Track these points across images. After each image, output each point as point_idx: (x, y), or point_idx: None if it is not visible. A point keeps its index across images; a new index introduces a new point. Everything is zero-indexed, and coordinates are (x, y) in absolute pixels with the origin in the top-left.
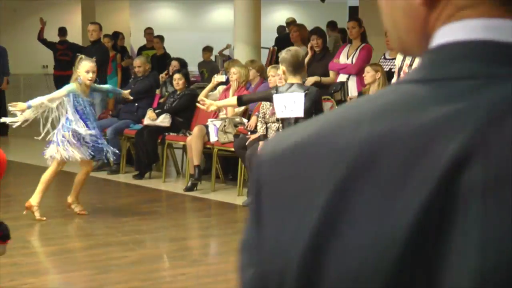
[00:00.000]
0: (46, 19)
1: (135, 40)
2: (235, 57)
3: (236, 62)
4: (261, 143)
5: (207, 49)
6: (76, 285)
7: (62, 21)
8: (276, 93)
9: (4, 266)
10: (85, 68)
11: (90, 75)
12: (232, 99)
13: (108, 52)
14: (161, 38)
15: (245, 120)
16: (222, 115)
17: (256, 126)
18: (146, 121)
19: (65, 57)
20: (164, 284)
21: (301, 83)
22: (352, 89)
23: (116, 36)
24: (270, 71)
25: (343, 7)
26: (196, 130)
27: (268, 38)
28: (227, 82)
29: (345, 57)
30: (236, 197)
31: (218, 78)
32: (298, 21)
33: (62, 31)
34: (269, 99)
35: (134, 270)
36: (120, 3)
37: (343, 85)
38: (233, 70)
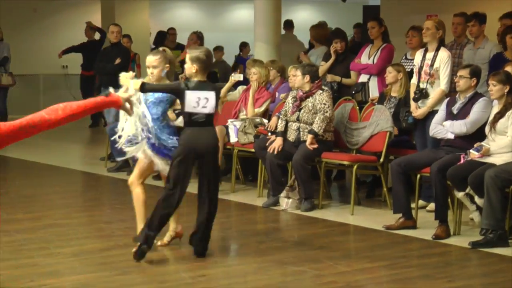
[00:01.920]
0: (65, 19)
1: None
2: (255, 57)
3: (257, 62)
4: (277, 138)
5: (219, 49)
6: (95, 286)
7: (81, 21)
8: (188, 89)
9: (23, 266)
10: (146, 63)
11: (150, 70)
12: (136, 83)
13: (129, 53)
14: (200, 37)
15: (265, 121)
16: (242, 115)
17: (276, 126)
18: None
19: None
20: (184, 286)
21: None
22: (373, 89)
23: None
24: (291, 71)
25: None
26: (216, 130)
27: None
28: (245, 81)
29: (366, 57)
30: (256, 198)
31: (236, 77)
32: (317, 21)
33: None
34: (176, 93)
35: (154, 272)
36: (140, 3)
37: (364, 86)
38: (253, 70)
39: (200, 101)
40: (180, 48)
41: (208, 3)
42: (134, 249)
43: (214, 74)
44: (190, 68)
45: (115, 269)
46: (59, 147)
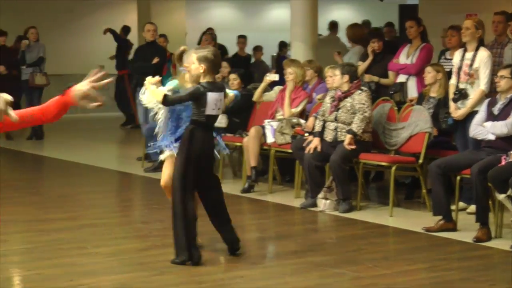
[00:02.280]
0: (102, 19)
1: (191, 40)
2: (292, 57)
3: (294, 62)
4: (315, 138)
5: (258, 49)
6: (132, 286)
7: (118, 21)
8: (208, 91)
9: (62, 266)
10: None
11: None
12: (159, 95)
13: (166, 52)
14: (214, 38)
15: (302, 121)
16: (279, 116)
17: (314, 127)
18: None
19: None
20: (221, 287)
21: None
22: (412, 89)
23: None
24: (328, 71)
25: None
26: (252, 131)
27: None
28: (281, 81)
29: (404, 57)
30: (293, 199)
31: (271, 77)
32: (353, 20)
33: (127, 30)
34: (198, 97)
35: (191, 272)
36: (176, 3)
37: (403, 86)
38: (289, 70)
39: (217, 103)
40: (219, 48)
41: (245, 2)
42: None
43: (250, 74)
44: (197, 68)
45: (152, 269)
46: (96, 146)
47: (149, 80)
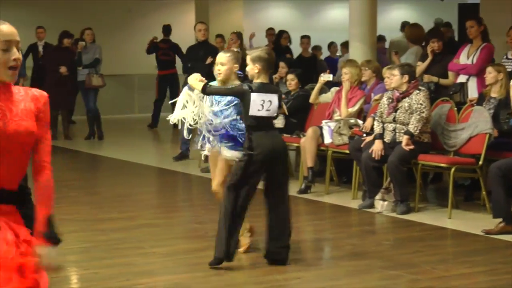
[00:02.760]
0: (160, 19)
1: (247, 41)
2: (350, 57)
3: (351, 62)
4: (376, 141)
5: (317, 49)
6: (189, 287)
7: (175, 21)
8: (252, 91)
9: (118, 265)
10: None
11: (218, 67)
12: (199, 85)
13: (218, 52)
14: (240, 37)
15: (360, 122)
16: (336, 116)
17: (372, 128)
18: None
19: (166, 57)
20: None
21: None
22: (473, 90)
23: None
24: (386, 72)
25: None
26: (310, 131)
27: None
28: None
29: (465, 57)
30: (350, 200)
31: (325, 77)
32: (413, 20)
33: (166, 29)
34: (241, 95)
35: (248, 273)
36: (234, 2)
37: (463, 86)
38: (344, 70)
39: (264, 103)
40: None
41: (302, 2)
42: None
43: (309, 74)
44: (252, 68)
45: (209, 270)
46: (152, 146)
47: (194, 76)
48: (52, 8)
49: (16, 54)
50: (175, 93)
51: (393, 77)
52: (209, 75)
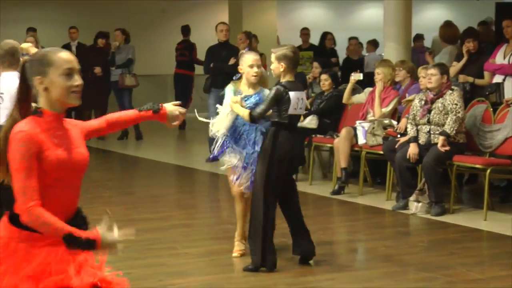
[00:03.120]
0: (193, 19)
1: (283, 40)
2: (384, 57)
3: (384, 62)
4: (411, 145)
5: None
6: (222, 287)
7: (208, 21)
8: (289, 90)
9: (152, 266)
10: (248, 62)
11: (255, 69)
12: (245, 113)
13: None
14: (249, 37)
15: (394, 122)
16: (370, 117)
17: (406, 128)
18: None
19: (182, 57)
20: None
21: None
22: (508, 90)
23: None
24: (421, 72)
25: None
26: (343, 132)
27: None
28: (370, 82)
29: (501, 57)
30: (384, 201)
31: (355, 76)
32: (450, 19)
33: (185, 30)
34: (280, 100)
35: (281, 274)
36: (268, 3)
37: (499, 87)
38: (377, 70)
39: (299, 102)
40: (312, 49)
41: (337, 2)
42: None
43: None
44: (277, 67)
45: (241, 271)
46: (185, 147)
47: (233, 99)
48: (85, 8)
49: (78, 80)
50: (187, 95)
51: (433, 77)
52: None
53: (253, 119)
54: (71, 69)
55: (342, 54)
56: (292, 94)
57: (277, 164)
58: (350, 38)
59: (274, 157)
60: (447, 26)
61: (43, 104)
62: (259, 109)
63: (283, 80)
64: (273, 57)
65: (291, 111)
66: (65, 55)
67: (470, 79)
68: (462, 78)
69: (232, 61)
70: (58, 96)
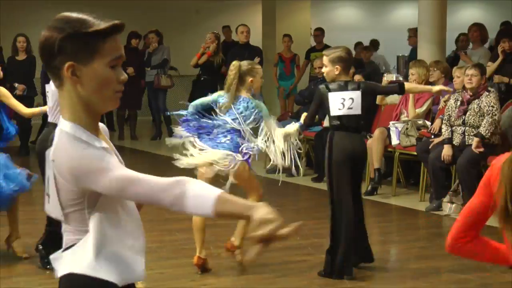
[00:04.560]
0: (227, 20)
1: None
2: (419, 57)
3: (419, 62)
4: (445, 146)
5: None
6: (255, 287)
7: (243, 22)
8: (330, 91)
9: (185, 266)
10: (261, 73)
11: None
12: (294, 131)
13: (262, 53)
14: (217, 37)
15: (428, 123)
16: (403, 117)
17: (440, 129)
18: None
19: None
20: None
21: (352, 80)
22: None
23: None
24: (456, 71)
25: None
26: (377, 132)
27: (454, 38)
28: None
29: None
30: (418, 202)
31: (388, 77)
32: (485, 20)
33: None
34: (322, 103)
35: (313, 275)
36: (301, 3)
37: None
38: (411, 71)
39: (345, 102)
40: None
41: (370, 2)
42: None
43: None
44: (332, 70)
45: (275, 271)
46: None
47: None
48: (119, 8)
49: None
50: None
51: (473, 77)
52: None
53: (303, 127)
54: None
55: None
56: (332, 94)
57: (337, 167)
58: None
59: (331, 161)
60: (476, 26)
61: None
62: (307, 119)
63: (336, 81)
64: (326, 60)
65: (334, 111)
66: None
67: (506, 79)
68: (497, 78)
69: (257, 60)
70: None
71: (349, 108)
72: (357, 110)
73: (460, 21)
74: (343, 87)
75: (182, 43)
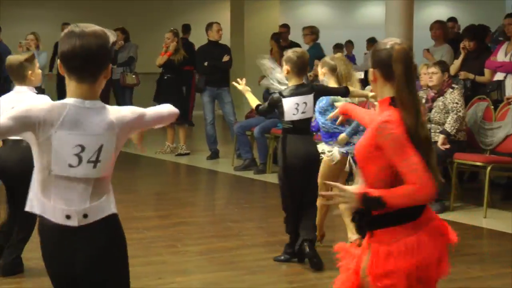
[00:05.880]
0: (194, 18)
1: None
2: None
3: None
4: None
5: (337, 47)
6: (223, 285)
7: (211, 20)
8: (284, 97)
9: (152, 264)
10: None
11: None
12: (254, 102)
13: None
14: (176, 34)
15: None
16: None
17: None
18: None
19: None
20: (310, 287)
21: (303, 83)
22: (510, 88)
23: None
24: (422, 69)
25: (501, 3)
26: None
27: (422, 36)
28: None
29: (503, 55)
30: None
31: (357, 75)
32: (453, 17)
33: (186, 29)
34: (276, 106)
35: (282, 272)
36: (270, 2)
37: (500, 84)
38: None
39: (299, 107)
40: (295, 46)
41: (339, 0)
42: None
43: None
44: (285, 70)
45: (243, 269)
46: (187, 145)
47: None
48: (85, 6)
49: None
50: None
51: (434, 75)
52: (226, 73)
53: (257, 110)
54: None
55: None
56: (286, 100)
57: (290, 170)
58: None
59: (286, 163)
60: (438, 24)
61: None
62: (262, 107)
63: (289, 84)
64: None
65: (288, 117)
66: None
67: (471, 76)
68: (463, 75)
69: (226, 58)
70: None
71: (303, 113)
72: (310, 113)
73: (429, 18)
74: (297, 92)
75: (149, 41)
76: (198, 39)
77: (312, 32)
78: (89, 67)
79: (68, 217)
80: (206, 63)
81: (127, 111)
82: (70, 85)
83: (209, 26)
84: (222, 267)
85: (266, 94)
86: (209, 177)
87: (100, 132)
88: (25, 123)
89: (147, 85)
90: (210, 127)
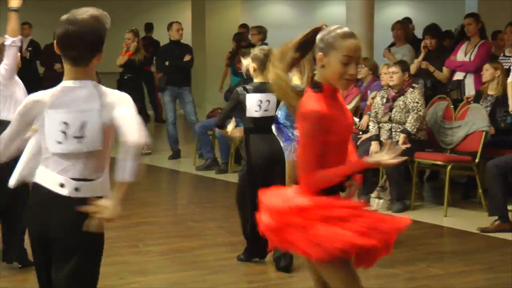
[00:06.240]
0: (156, 17)
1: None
2: None
3: None
4: (373, 143)
5: None
6: (185, 285)
7: (172, 19)
8: (248, 93)
9: (113, 264)
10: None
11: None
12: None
13: (191, 50)
14: (136, 34)
15: (356, 120)
16: None
17: (368, 125)
18: None
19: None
20: (272, 286)
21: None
22: (470, 87)
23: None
24: (383, 68)
25: (461, 4)
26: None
27: (383, 35)
28: None
29: (462, 54)
30: None
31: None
32: (413, 17)
33: (149, 27)
34: (239, 103)
35: (243, 271)
36: (231, 1)
37: (460, 84)
38: None
39: (262, 104)
40: (253, 46)
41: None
42: None
43: None
44: (251, 67)
45: (204, 268)
46: (148, 145)
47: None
48: (44, 6)
49: (352, 70)
50: (153, 91)
51: (394, 75)
52: (187, 73)
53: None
54: (350, 57)
55: None
56: (249, 96)
57: (255, 170)
58: None
59: (250, 163)
60: (400, 24)
61: (319, 78)
62: (222, 112)
63: (255, 80)
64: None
65: (250, 113)
66: (351, 43)
67: (432, 68)
68: (424, 64)
69: (187, 57)
70: (329, 77)
71: (265, 110)
72: (272, 112)
73: (390, 18)
74: (261, 89)
75: (110, 41)
76: (160, 38)
77: (259, 31)
78: (82, 52)
79: (62, 185)
80: (167, 63)
81: (123, 105)
82: (66, 68)
83: (169, 25)
84: (184, 267)
85: (228, 94)
86: (170, 177)
87: (83, 108)
88: (26, 121)
89: (108, 85)
90: (171, 127)
